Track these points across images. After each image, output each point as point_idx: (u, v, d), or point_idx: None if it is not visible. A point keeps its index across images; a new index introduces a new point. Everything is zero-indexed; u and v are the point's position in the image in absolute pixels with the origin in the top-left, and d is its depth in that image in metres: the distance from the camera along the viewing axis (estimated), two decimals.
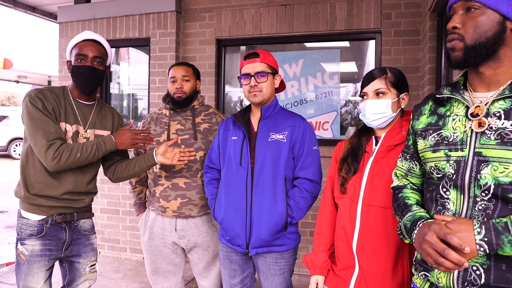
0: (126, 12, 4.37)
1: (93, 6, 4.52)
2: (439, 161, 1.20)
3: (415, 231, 1.18)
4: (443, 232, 1.05)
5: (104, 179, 4.36)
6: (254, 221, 1.98)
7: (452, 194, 1.16)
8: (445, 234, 1.04)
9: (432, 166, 1.23)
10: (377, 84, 1.63)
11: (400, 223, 1.32)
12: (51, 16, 5.97)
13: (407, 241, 1.31)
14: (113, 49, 4.62)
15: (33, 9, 5.71)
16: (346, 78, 4.06)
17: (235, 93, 4.44)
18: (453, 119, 1.20)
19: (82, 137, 2.03)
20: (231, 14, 4.11)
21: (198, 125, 2.39)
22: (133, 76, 4.83)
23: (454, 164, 1.15)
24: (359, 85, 4.04)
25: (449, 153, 1.17)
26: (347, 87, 4.06)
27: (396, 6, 3.65)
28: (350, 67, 4.10)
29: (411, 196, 1.35)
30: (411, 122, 1.38)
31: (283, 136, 2.01)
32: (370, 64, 3.93)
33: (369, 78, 1.66)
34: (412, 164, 1.38)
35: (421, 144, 1.29)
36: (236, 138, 2.09)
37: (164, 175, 2.34)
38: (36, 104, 1.89)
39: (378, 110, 1.62)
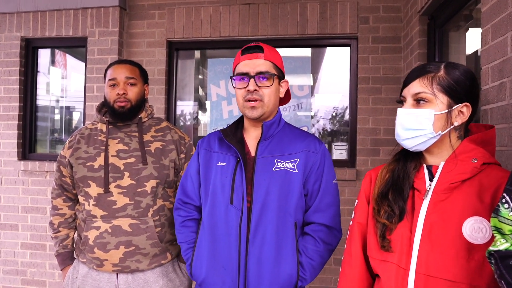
0: (57, 5, 3.64)
1: None
2: None
3: None
4: None
5: (26, 208, 3.57)
6: (250, 285, 1.39)
7: None
8: None
9: None
10: (418, 86, 1.12)
11: None
12: None
13: None
14: (48, 50, 3.90)
15: None
16: (318, 89, 3.60)
17: (188, 108, 3.83)
18: None
19: None
20: (186, 12, 3.53)
21: (147, 145, 1.78)
22: (67, 85, 4.07)
23: None
24: (332, 97, 3.63)
25: None
26: (319, 99, 3.59)
27: (374, 9, 3.26)
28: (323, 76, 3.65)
29: None
30: None
31: (294, 165, 1.44)
32: (344, 73, 3.49)
33: (411, 75, 1.15)
34: None
35: None
36: (224, 164, 1.49)
37: (101, 215, 1.69)
38: None
39: (411, 125, 1.11)
